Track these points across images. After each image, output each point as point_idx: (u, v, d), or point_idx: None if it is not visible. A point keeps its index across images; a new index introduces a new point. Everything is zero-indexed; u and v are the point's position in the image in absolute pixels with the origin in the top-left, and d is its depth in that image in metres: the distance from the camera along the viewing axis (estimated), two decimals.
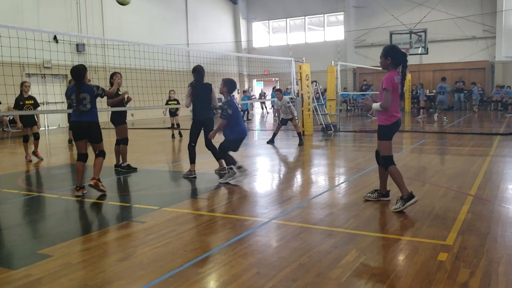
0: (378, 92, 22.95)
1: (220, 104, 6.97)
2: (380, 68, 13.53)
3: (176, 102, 13.82)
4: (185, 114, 18.44)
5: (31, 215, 5.52)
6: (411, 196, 4.92)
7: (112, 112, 8.29)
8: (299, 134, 11.53)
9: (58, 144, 13.73)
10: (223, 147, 6.95)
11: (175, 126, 14.18)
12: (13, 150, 12.60)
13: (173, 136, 14.06)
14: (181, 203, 5.77)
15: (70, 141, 12.82)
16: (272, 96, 22.23)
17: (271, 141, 11.70)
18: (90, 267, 3.62)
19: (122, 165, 8.32)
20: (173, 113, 14.30)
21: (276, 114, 12.62)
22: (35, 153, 9.86)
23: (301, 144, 11.20)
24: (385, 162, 5.13)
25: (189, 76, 8.00)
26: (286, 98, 11.88)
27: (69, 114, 12.32)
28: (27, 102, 9.62)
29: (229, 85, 6.92)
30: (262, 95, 30.69)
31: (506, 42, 25.19)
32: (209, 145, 7.53)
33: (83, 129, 6.25)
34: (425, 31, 22.88)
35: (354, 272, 3.37)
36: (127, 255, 3.85)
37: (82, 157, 6.33)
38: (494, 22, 25.44)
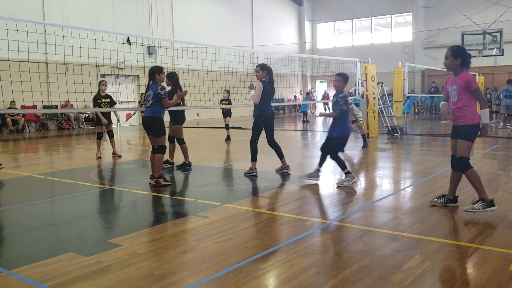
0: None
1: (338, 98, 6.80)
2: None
3: (227, 103, 13.48)
4: (238, 115, 18.58)
5: (102, 206, 5.86)
6: (493, 203, 4.76)
7: (169, 112, 8.38)
8: (363, 136, 11.30)
9: (129, 141, 14.39)
10: (332, 149, 6.75)
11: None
12: (87, 146, 13.36)
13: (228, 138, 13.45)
14: (242, 200, 5.86)
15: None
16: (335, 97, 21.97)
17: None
18: (156, 258, 3.78)
19: (170, 160, 8.70)
20: (226, 113, 13.74)
21: None
22: (114, 152, 10.19)
23: (365, 146, 10.98)
24: (464, 164, 4.88)
25: (253, 77, 8.12)
26: (348, 100, 11.69)
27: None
28: (104, 100, 10.03)
29: (344, 78, 6.81)
30: (325, 96, 30.40)
31: None
32: (272, 142, 7.63)
33: (146, 124, 6.86)
34: (500, 31, 21.60)
35: (417, 277, 3.27)
36: (191, 248, 3.98)
37: (153, 149, 6.85)
38: None
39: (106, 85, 10.29)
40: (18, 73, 9.05)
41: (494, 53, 22.13)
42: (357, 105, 12.64)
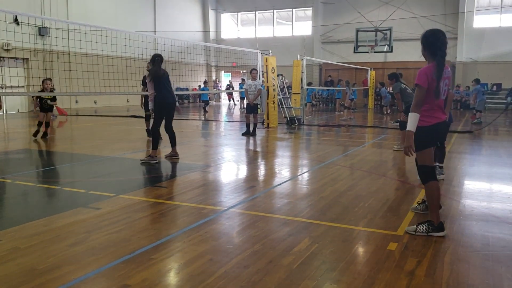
0: (342, 88, 22.63)
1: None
2: (345, 65, 14.04)
3: (50, 97, 10.79)
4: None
5: None
6: (441, 227, 4.02)
7: None
8: (255, 124, 11.54)
9: (16, 129, 13.28)
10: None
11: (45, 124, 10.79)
12: None
13: (45, 134, 10.70)
14: (138, 190, 5.70)
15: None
16: (240, 87, 22.22)
17: (247, 133, 11.49)
18: (40, 252, 3.53)
19: None
20: (48, 108, 10.84)
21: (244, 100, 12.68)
22: None
23: (251, 134, 11.32)
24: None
25: None
26: (260, 81, 12.06)
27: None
28: None
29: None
30: (231, 87, 30.61)
31: (466, 43, 26.07)
32: (170, 129, 7.79)
33: None
34: (390, 29, 23.35)
35: (305, 260, 3.43)
36: (79, 241, 3.78)
37: None
38: (456, 23, 26.26)
39: None
40: None
41: (385, 50, 23.89)
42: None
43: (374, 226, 4.26)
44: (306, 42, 24.84)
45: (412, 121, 3.94)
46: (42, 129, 10.75)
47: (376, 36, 23.42)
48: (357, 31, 24.02)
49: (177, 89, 24.86)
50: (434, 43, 3.99)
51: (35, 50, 20.26)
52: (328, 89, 27.18)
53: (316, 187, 5.83)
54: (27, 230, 4.06)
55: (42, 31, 20.63)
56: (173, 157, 7.84)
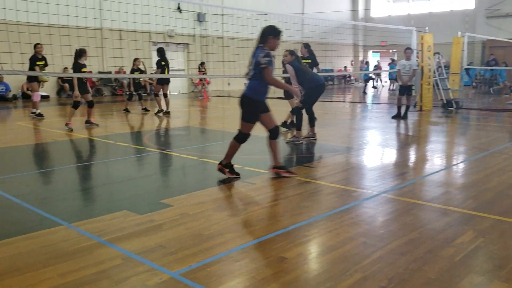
0: (508, 68, 20.26)
1: None
2: None
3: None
4: None
5: (154, 169, 6.04)
6: None
7: None
8: (407, 107, 10.97)
9: (179, 108, 14.66)
10: None
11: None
12: (140, 112, 13.67)
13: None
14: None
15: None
16: (391, 68, 21.27)
17: (397, 116, 10.97)
18: (205, 219, 3.88)
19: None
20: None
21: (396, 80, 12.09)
22: (89, 121, 9.63)
23: (402, 117, 10.76)
24: None
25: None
26: (415, 61, 11.37)
27: None
28: (39, 62, 9.95)
29: None
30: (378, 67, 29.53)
31: None
32: (311, 110, 7.95)
33: (240, 103, 5.56)
34: None
35: (469, 253, 3.17)
36: (238, 212, 4.06)
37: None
38: None
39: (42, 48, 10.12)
40: (76, 39, 9.34)
41: None
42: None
43: None
44: (468, 17, 22.57)
45: None
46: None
47: None
48: None
49: (322, 70, 24.82)
50: None
51: (193, 35, 21.96)
52: (492, 69, 24.41)
53: (479, 177, 5.33)
54: (193, 199, 4.48)
55: (200, 17, 22.26)
56: (311, 138, 7.87)
